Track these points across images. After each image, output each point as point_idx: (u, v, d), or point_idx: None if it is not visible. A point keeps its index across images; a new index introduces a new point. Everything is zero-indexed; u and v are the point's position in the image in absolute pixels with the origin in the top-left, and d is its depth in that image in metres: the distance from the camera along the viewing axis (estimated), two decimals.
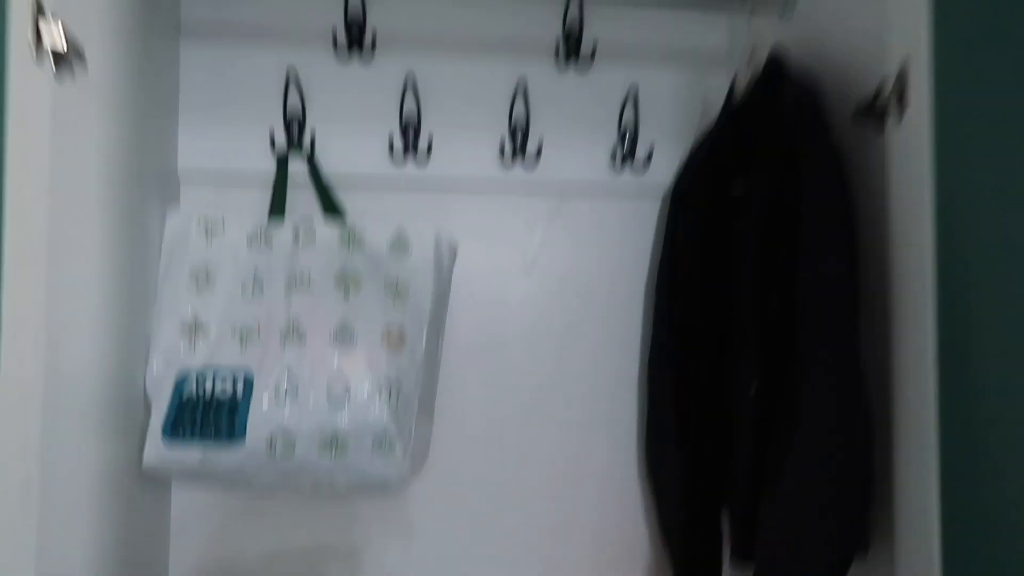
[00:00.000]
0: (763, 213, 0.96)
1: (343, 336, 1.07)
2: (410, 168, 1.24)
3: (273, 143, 1.21)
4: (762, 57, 1.06)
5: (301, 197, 1.20)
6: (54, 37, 0.73)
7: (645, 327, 1.29)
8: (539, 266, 1.28)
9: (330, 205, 1.20)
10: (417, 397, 1.09)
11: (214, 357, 1.07)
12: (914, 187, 0.81)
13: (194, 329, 1.08)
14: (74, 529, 0.85)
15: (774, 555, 0.87)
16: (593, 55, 1.27)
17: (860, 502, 0.84)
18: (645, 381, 1.25)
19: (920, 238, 0.80)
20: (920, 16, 0.79)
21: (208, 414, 1.02)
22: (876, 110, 0.88)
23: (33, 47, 0.71)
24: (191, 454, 1.01)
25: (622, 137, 1.28)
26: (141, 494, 1.07)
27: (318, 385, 1.04)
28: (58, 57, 0.75)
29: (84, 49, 0.80)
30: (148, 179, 1.07)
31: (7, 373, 0.70)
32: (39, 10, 0.71)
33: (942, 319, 0.78)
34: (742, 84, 1.11)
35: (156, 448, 1.01)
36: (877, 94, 0.87)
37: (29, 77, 0.71)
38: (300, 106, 1.22)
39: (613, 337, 1.29)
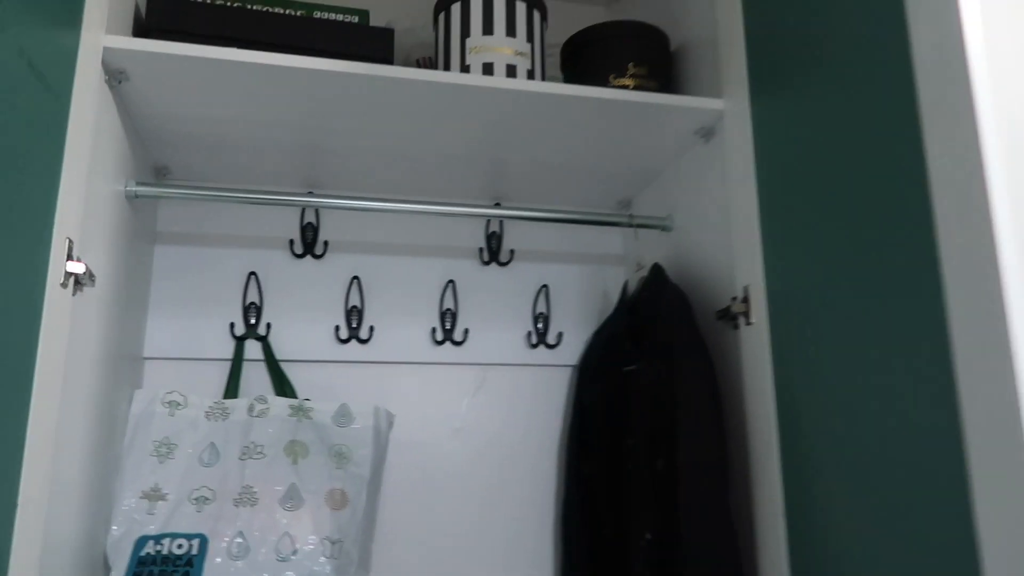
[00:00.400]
0: (650, 390, 1.19)
1: (291, 498, 1.21)
2: (354, 349, 1.43)
3: (233, 330, 1.39)
4: (647, 265, 1.32)
5: (256, 376, 1.37)
6: (76, 269, 0.91)
7: (559, 482, 1.47)
8: (466, 430, 1.46)
9: (282, 382, 1.37)
10: (357, 550, 1.22)
11: (171, 521, 1.18)
12: (760, 373, 1.05)
13: (154, 496, 1.20)
14: None
15: None
16: (511, 258, 1.53)
17: None
18: (560, 530, 1.41)
19: (766, 411, 1.03)
20: (755, 261, 1.07)
21: (165, 573, 1.12)
22: (730, 315, 1.13)
23: (62, 276, 0.89)
24: None
25: (536, 322, 1.52)
26: None
27: (268, 543, 1.16)
28: (75, 278, 0.93)
29: (94, 271, 0.99)
30: (121, 364, 1.22)
31: (17, 546, 0.81)
32: (69, 255, 0.90)
33: (785, 473, 0.99)
34: (632, 285, 1.37)
35: None
36: (730, 305, 1.13)
37: (58, 298, 0.88)
38: (258, 298, 1.41)
39: (532, 491, 1.46)
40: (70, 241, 0.91)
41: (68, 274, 0.91)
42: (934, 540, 0.74)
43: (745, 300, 1.10)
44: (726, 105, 1.17)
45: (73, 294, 0.93)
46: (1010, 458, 0.66)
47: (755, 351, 1.07)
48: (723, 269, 1.19)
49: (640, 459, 1.18)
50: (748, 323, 1.09)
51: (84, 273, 0.94)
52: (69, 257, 0.91)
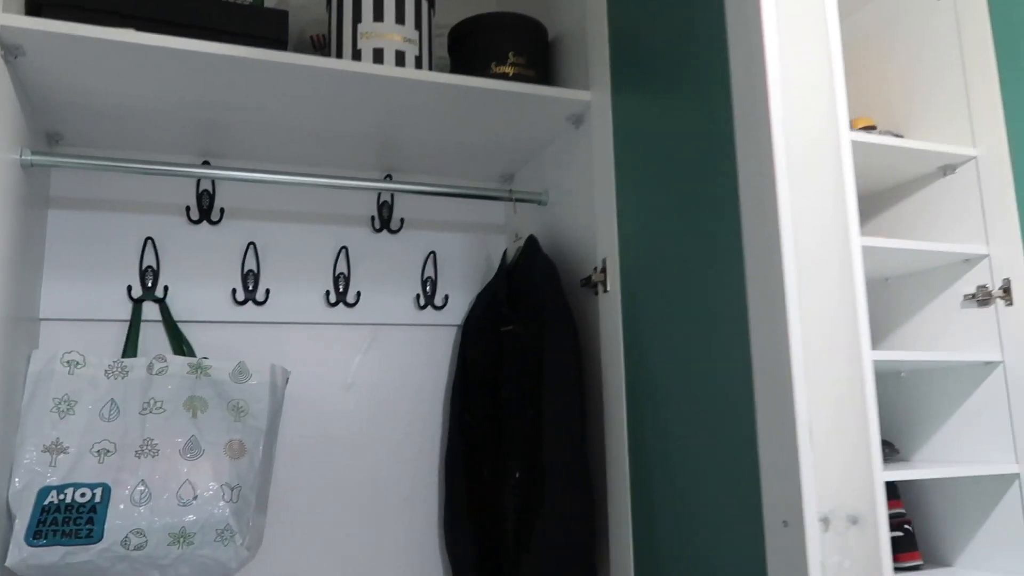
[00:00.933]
0: (522, 348, 1.34)
1: (191, 449, 1.30)
2: (250, 311, 1.52)
3: (130, 292, 1.45)
4: (524, 236, 1.47)
5: (155, 336, 1.44)
6: None
7: (443, 431, 1.62)
8: (358, 385, 1.58)
9: (180, 342, 1.45)
10: (254, 495, 1.33)
11: (74, 472, 1.25)
12: (613, 334, 1.22)
13: (55, 450, 1.27)
14: None
15: None
16: (401, 226, 1.64)
17: (587, 548, 1.19)
18: (444, 474, 1.56)
19: (617, 366, 1.20)
20: (610, 235, 1.23)
21: (69, 520, 1.20)
22: (591, 283, 1.30)
23: None
24: (52, 553, 1.18)
25: (424, 286, 1.65)
26: None
27: (169, 490, 1.25)
28: None
29: None
30: (17, 325, 1.27)
31: None
32: None
33: (630, 414, 1.17)
34: (511, 253, 1.52)
35: (19, 551, 1.17)
36: (591, 274, 1.29)
37: None
38: (155, 262, 1.47)
39: (420, 439, 1.61)
40: None
41: None
42: (730, 455, 0.93)
43: (603, 270, 1.26)
44: (592, 96, 1.32)
45: None
46: (781, 398, 0.84)
47: (610, 315, 1.24)
48: (588, 242, 1.35)
49: (513, 409, 1.34)
50: (605, 291, 1.26)
51: None
52: None
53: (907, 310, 1.47)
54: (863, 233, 1.58)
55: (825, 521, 0.85)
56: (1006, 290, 1.30)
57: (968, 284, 1.35)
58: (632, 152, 1.21)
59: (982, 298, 1.34)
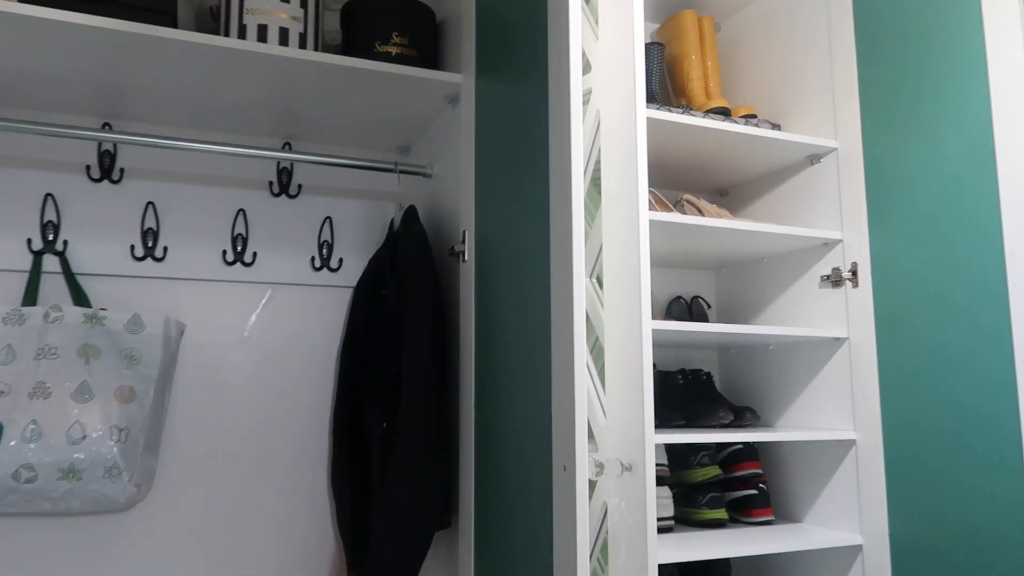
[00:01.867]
0: (391, 309, 1.47)
1: (83, 393, 1.41)
2: (149, 266, 1.62)
3: (30, 245, 1.54)
4: (406, 205, 1.58)
5: (56, 288, 1.54)
6: None
7: (335, 385, 1.74)
8: (253, 339, 1.70)
9: (78, 293, 1.55)
10: (143, 437, 1.44)
11: None
12: (469, 299, 1.35)
13: None
14: None
15: (382, 530, 1.33)
16: (299, 191, 1.74)
17: (436, 494, 1.33)
18: (331, 424, 1.69)
19: (470, 325, 1.33)
20: (470, 208, 1.35)
21: None
22: (455, 252, 1.42)
23: None
24: None
25: (320, 249, 1.76)
26: None
27: (59, 430, 1.36)
28: None
29: None
30: None
31: None
32: None
33: (478, 376, 1.31)
34: (397, 221, 1.63)
35: None
36: (455, 245, 1.41)
37: None
38: (56, 217, 1.56)
39: (311, 392, 1.73)
40: None
41: None
42: (535, 410, 1.07)
43: (463, 241, 1.38)
44: (463, 79, 1.43)
45: None
46: (566, 359, 0.98)
47: (467, 282, 1.36)
48: (456, 214, 1.46)
49: (380, 366, 1.46)
50: (464, 260, 1.38)
51: None
52: None
53: (778, 287, 1.62)
54: (743, 216, 1.72)
55: (600, 466, 0.99)
56: (854, 273, 1.44)
57: (826, 266, 1.49)
58: (488, 131, 1.32)
59: (835, 279, 1.48)
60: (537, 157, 1.09)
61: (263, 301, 1.71)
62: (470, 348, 1.33)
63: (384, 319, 1.49)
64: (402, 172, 1.61)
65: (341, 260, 1.77)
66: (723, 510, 1.50)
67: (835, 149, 1.47)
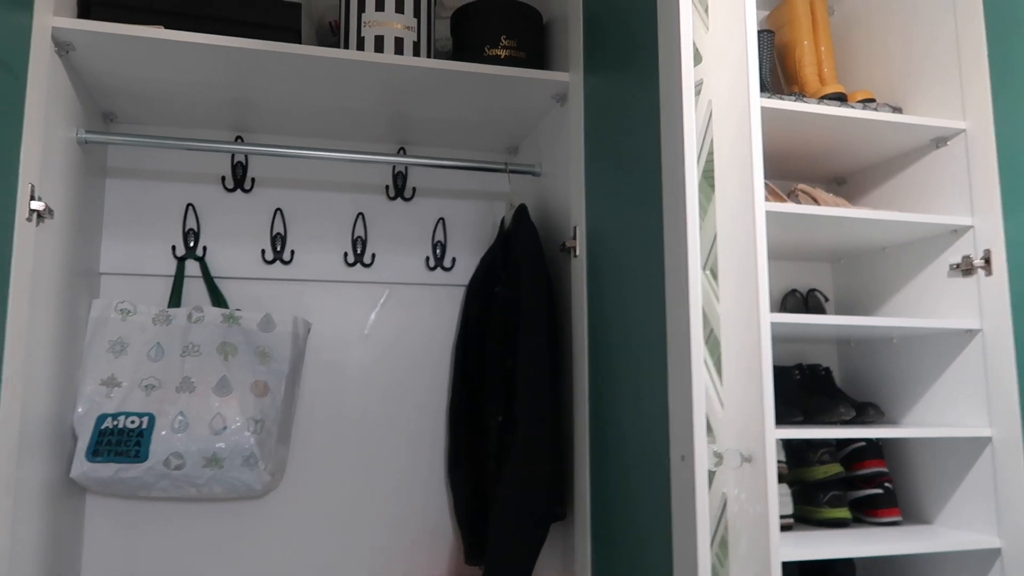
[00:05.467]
0: (505, 305, 1.50)
1: (222, 387, 1.52)
2: (278, 269, 1.72)
3: (175, 251, 1.67)
4: (516, 204, 1.62)
5: (195, 290, 1.66)
6: (38, 207, 1.19)
7: (449, 381, 1.80)
8: (372, 337, 1.78)
9: (216, 295, 1.67)
10: (276, 429, 1.54)
11: (125, 402, 1.49)
12: (580, 295, 1.37)
13: (111, 383, 1.50)
14: (28, 515, 1.24)
15: (499, 522, 1.37)
16: (414, 194, 1.81)
17: (551, 486, 1.35)
18: (448, 418, 1.75)
19: (582, 321, 1.35)
20: (580, 204, 1.37)
21: (121, 442, 1.44)
22: (566, 248, 1.44)
23: (27, 212, 1.16)
24: (107, 469, 1.42)
25: (434, 249, 1.82)
26: (67, 498, 1.45)
27: (203, 421, 1.48)
28: (37, 213, 1.20)
29: (53, 206, 1.26)
30: (80, 278, 1.50)
31: (1, 417, 1.11)
32: (32, 195, 1.17)
33: (592, 370, 1.32)
34: (508, 220, 1.67)
35: (80, 465, 1.42)
36: (565, 240, 1.44)
37: (24, 230, 1.16)
38: (196, 225, 1.69)
39: (428, 387, 1.80)
40: (32, 185, 1.18)
41: (31, 211, 1.18)
42: (652, 401, 1.08)
43: (575, 237, 1.40)
44: (571, 77, 1.45)
45: (36, 225, 1.21)
46: (682, 352, 0.98)
47: (579, 277, 1.38)
48: (567, 211, 1.49)
49: (496, 361, 1.50)
50: (575, 256, 1.40)
51: (44, 209, 1.22)
52: (32, 198, 1.18)
53: (901, 278, 1.55)
54: (862, 204, 1.66)
55: (719, 457, 0.98)
56: (987, 260, 1.36)
57: (955, 254, 1.41)
58: (597, 127, 1.33)
59: (966, 268, 1.40)
60: (648, 150, 1.10)
61: (381, 300, 1.79)
62: (583, 341, 1.35)
63: (498, 315, 1.53)
64: (512, 172, 1.65)
65: (454, 259, 1.82)
66: (846, 509, 1.45)
67: (963, 130, 1.39)
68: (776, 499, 0.97)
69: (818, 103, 1.36)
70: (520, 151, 1.84)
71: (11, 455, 1.14)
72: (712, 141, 1.04)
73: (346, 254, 1.77)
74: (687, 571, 0.95)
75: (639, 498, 1.11)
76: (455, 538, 1.78)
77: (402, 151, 1.82)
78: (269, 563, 1.67)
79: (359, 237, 1.78)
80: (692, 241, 0.97)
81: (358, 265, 1.77)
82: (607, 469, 1.25)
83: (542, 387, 1.37)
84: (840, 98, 1.50)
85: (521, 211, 1.57)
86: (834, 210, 1.30)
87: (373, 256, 1.78)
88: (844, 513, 1.44)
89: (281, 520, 1.68)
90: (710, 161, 1.08)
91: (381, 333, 1.79)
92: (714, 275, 1.06)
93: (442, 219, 1.83)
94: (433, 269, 1.82)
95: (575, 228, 1.40)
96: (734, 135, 1.03)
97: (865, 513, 1.48)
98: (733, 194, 1.02)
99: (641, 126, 1.13)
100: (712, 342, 1.04)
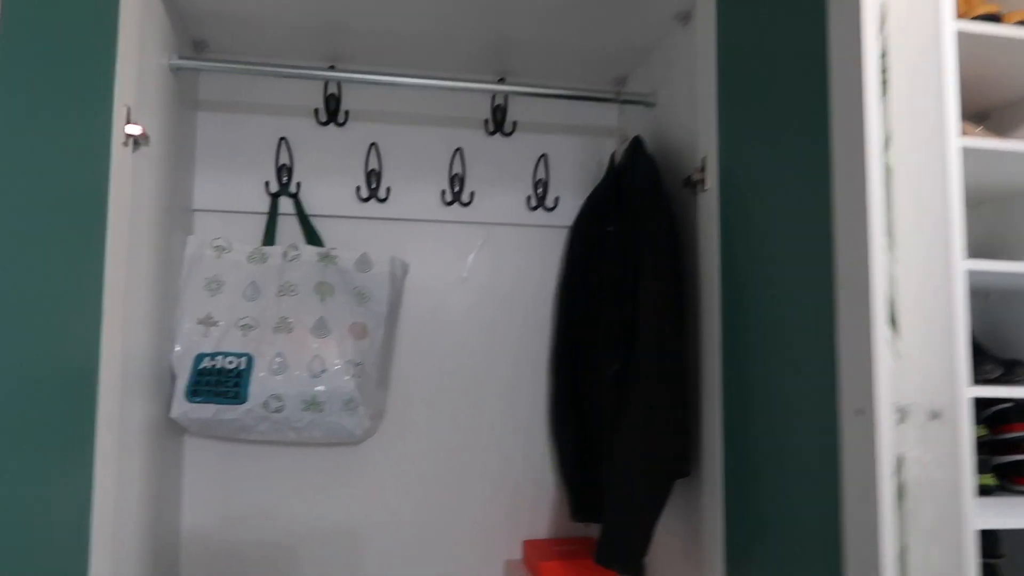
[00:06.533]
0: (621, 246, 1.38)
1: (320, 329, 1.45)
2: (373, 207, 1.64)
3: (268, 187, 1.59)
4: (630, 137, 1.48)
5: (288, 228, 1.59)
6: (134, 131, 1.11)
7: (551, 326, 1.70)
8: (471, 280, 1.68)
9: (311, 233, 1.59)
10: (376, 372, 1.47)
11: (223, 342, 1.43)
12: (710, 232, 1.23)
13: (207, 322, 1.45)
14: (131, 453, 1.20)
15: (621, 475, 1.26)
16: (514, 129, 1.69)
17: (676, 437, 1.25)
18: (550, 365, 1.65)
19: (712, 259, 1.22)
20: (711, 133, 1.23)
21: (220, 383, 1.39)
22: (691, 182, 1.30)
23: (123, 137, 1.09)
24: (207, 409, 1.37)
25: (535, 187, 1.70)
26: (167, 438, 1.42)
27: (302, 363, 1.41)
28: (134, 139, 1.13)
29: (148, 134, 1.19)
30: (174, 214, 1.44)
31: (104, 355, 1.06)
32: (128, 119, 1.10)
33: (725, 318, 1.20)
34: (619, 155, 1.54)
35: (180, 405, 1.37)
36: (691, 174, 1.30)
37: (121, 156, 1.09)
38: (289, 161, 1.61)
39: (528, 333, 1.70)
40: (128, 108, 1.11)
41: (128, 136, 1.11)
42: (813, 345, 0.95)
43: (703, 169, 1.26)
44: None
45: (133, 152, 1.14)
46: (859, 292, 0.85)
47: (708, 213, 1.25)
48: (690, 142, 1.35)
49: (611, 305, 1.39)
50: (704, 189, 1.26)
51: (141, 135, 1.14)
52: (128, 121, 1.11)
53: None
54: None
55: (902, 412, 0.85)
56: None
57: None
58: (735, 47, 1.18)
59: None
60: (811, 73, 0.95)
61: (480, 242, 1.69)
62: (712, 282, 1.22)
63: (612, 256, 1.41)
64: (624, 102, 1.51)
65: (557, 199, 1.71)
66: (991, 475, 1.30)
67: None
68: (970, 461, 0.84)
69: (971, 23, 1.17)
70: (629, 82, 1.70)
71: (114, 392, 1.09)
72: (890, 65, 0.89)
73: (443, 192, 1.67)
74: (864, 544, 0.83)
75: (792, 458, 0.99)
76: (557, 492, 1.69)
77: (502, 82, 1.70)
78: (365, 510, 1.62)
79: (456, 174, 1.67)
80: (874, 177, 0.83)
81: (455, 204, 1.67)
82: (745, 424, 1.13)
83: (666, 333, 1.26)
84: (994, 19, 1.31)
85: (637, 144, 1.44)
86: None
87: (471, 195, 1.68)
88: (989, 480, 1.29)
89: (378, 467, 1.63)
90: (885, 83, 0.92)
91: (479, 276, 1.69)
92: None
93: (544, 155, 1.71)
94: (534, 209, 1.70)
95: (703, 159, 1.26)
96: (916, 58, 0.88)
97: (1011, 480, 1.33)
98: (915, 125, 0.88)
99: (802, 43, 0.98)
100: (891, 286, 0.90)
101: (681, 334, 1.29)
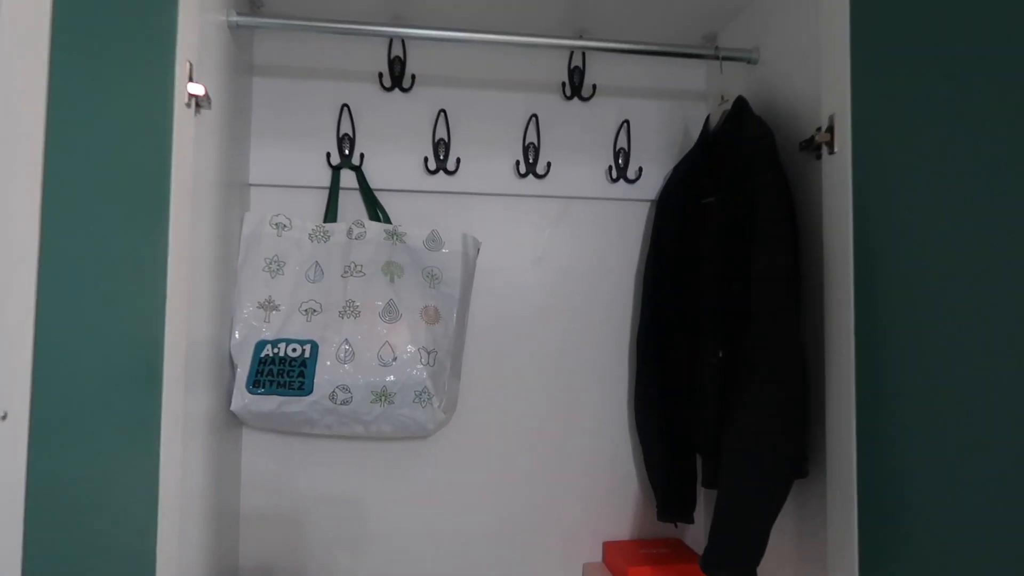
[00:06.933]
0: (726, 218, 1.23)
1: (390, 313, 1.33)
2: (441, 180, 1.50)
3: (329, 159, 1.47)
4: (730, 98, 1.33)
5: (351, 203, 1.46)
6: (197, 91, 0.99)
7: (634, 309, 1.56)
8: (547, 259, 1.55)
9: (375, 209, 1.47)
10: (449, 361, 1.35)
11: (285, 328, 1.32)
12: (840, 202, 1.08)
13: (268, 306, 1.33)
14: (193, 448, 1.09)
15: (735, 475, 1.13)
16: (593, 93, 1.54)
17: (796, 434, 1.10)
18: (634, 352, 1.51)
19: (843, 240, 1.07)
20: (844, 86, 1.07)
21: (283, 372, 1.27)
22: (813, 145, 1.15)
23: (185, 96, 0.97)
24: (269, 402, 1.26)
25: (616, 157, 1.56)
26: (227, 431, 1.31)
27: (371, 350, 1.29)
28: (196, 100, 1.01)
29: (210, 93, 1.06)
30: (232, 189, 1.32)
31: (168, 343, 0.94)
32: (190, 76, 0.97)
33: (859, 300, 1.05)
34: (715, 119, 1.38)
35: (242, 397, 1.26)
36: (813, 135, 1.15)
37: (183, 117, 0.97)
38: (351, 130, 1.48)
39: (608, 317, 1.56)
40: (190, 64, 0.98)
41: (191, 95, 0.99)
42: (1009, 360, 0.80)
43: (830, 129, 1.11)
44: None
45: (195, 114, 1.02)
46: None
47: (837, 180, 1.09)
48: (808, 100, 1.19)
49: (714, 285, 1.24)
50: (831, 152, 1.11)
51: (204, 96, 1.02)
52: (190, 79, 0.98)
53: None
54: None
55: None
56: None
57: None
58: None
59: None
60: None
61: (557, 217, 1.55)
62: (844, 259, 1.07)
63: (713, 232, 1.27)
64: (724, 59, 1.35)
65: (640, 169, 1.56)
66: None
67: None
68: None
69: None
70: (719, 39, 1.54)
71: (179, 382, 0.97)
72: None
73: (517, 163, 1.53)
74: None
75: (980, 468, 0.85)
76: (640, 490, 1.56)
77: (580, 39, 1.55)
78: (436, 509, 1.50)
79: (531, 144, 1.53)
80: None
81: (530, 176, 1.53)
82: (895, 421, 0.98)
83: (786, 316, 1.11)
84: None
85: (741, 105, 1.29)
86: None
87: (548, 165, 1.53)
88: None
89: (448, 462, 1.51)
90: None
91: (556, 254, 1.56)
92: None
93: (626, 122, 1.56)
94: (615, 180, 1.56)
95: (831, 118, 1.10)
96: None
97: None
98: None
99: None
100: None
101: (799, 318, 1.14)
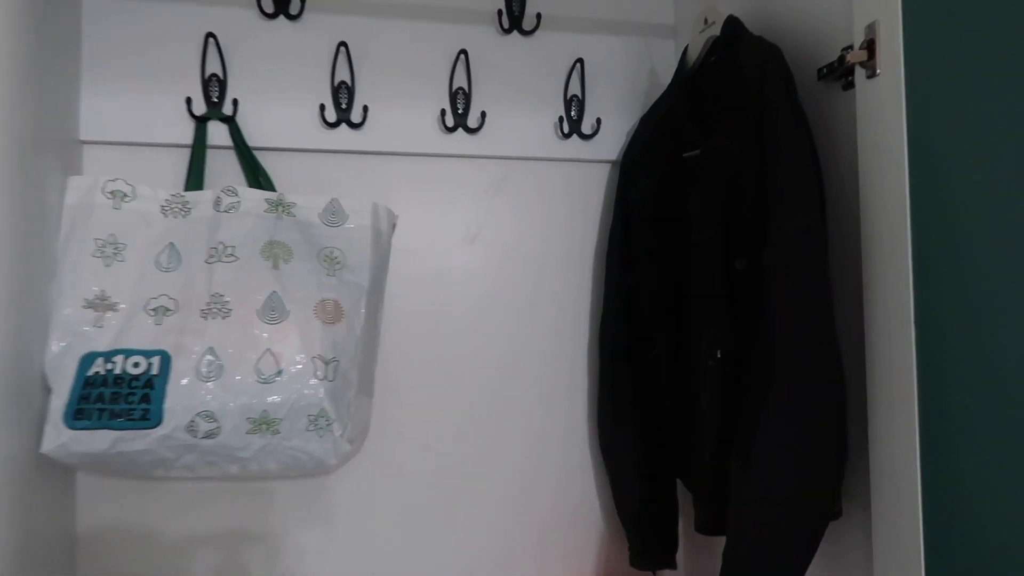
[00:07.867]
0: (725, 175, 0.93)
1: (272, 309, 0.98)
2: (344, 136, 1.16)
3: (191, 107, 1.10)
4: (715, 25, 1.02)
5: (224, 165, 1.10)
6: None
7: (595, 296, 1.24)
8: (484, 236, 1.22)
9: (256, 173, 1.11)
10: (356, 373, 1.01)
11: (124, 335, 0.95)
12: (889, 141, 0.78)
13: (101, 305, 0.97)
14: None
15: (752, 517, 0.82)
16: (537, 25, 1.22)
17: (834, 462, 0.81)
18: (599, 351, 1.20)
19: (895, 194, 0.77)
20: None
21: (119, 397, 0.91)
22: (842, 70, 0.86)
23: None
24: (99, 439, 0.89)
25: (568, 107, 1.24)
26: (42, 481, 0.94)
27: (246, 362, 0.94)
28: None
29: None
30: (45, 144, 0.95)
31: None
32: None
33: (919, 280, 0.75)
34: (695, 51, 1.08)
35: (57, 433, 0.89)
36: (843, 54, 0.85)
37: None
38: (221, 69, 1.11)
39: (562, 308, 1.25)
40: None
41: None
42: None
43: (868, 44, 0.81)
44: None
45: None
46: None
47: (881, 113, 0.80)
48: (828, 14, 0.90)
49: (711, 259, 0.94)
50: (871, 76, 0.81)
51: None
52: None
53: None
54: None
55: None
56: None
57: None
58: None
59: None
60: None
61: (496, 183, 1.23)
62: (897, 220, 0.77)
63: (709, 189, 0.96)
64: None
65: (598, 121, 1.24)
66: None
67: None
68: None
69: None
70: None
71: None
72: None
73: (443, 113, 1.19)
74: None
75: None
76: (608, 529, 1.25)
77: None
78: (335, 562, 1.15)
79: (460, 89, 1.20)
80: None
81: (459, 130, 1.20)
82: (973, 448, 0.69)
83: (823, 304, 0.81)
84: None
85: (732, 27, 0.99)
86: None
87: (482, 117, 1.20)
88: None
89: (355, 504, 1.16)
90: None
91: (495, 230, 1.23)
92: None
93: (579, 62, 1.24)
94: (567, 136, 1.24)
95: (869, 27, 0.80)
96: None
97: None
98: None
99: None
100: None
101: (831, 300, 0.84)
